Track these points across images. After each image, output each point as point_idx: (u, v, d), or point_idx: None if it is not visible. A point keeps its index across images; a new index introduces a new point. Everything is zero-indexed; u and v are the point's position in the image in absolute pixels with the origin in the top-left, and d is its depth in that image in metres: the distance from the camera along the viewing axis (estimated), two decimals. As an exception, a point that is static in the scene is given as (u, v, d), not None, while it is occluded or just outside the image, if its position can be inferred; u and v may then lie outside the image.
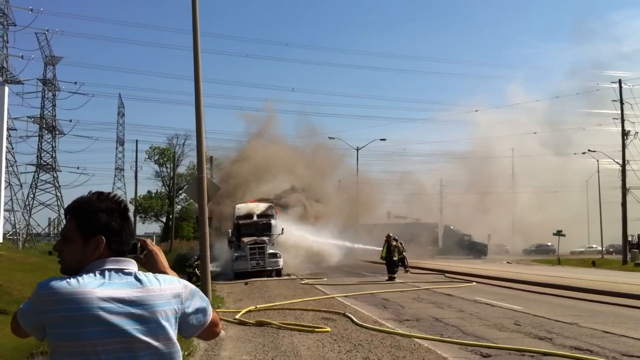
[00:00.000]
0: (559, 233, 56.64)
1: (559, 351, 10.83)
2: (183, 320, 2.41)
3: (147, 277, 2.37)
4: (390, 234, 30.91)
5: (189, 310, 2.42)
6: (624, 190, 51.01)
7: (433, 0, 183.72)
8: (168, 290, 2.37)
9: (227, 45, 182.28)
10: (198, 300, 2.47)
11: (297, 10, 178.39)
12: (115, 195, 2.56)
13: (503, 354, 10.79)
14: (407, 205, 58.56)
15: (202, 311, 2.48)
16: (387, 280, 28.53)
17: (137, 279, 2.35)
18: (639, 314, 16.47)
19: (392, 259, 29.47)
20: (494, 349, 11.16)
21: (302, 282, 27.99)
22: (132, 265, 2.41)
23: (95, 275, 2.32)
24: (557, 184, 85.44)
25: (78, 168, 79.17)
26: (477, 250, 64.54)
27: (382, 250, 29.97)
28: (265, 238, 32.87)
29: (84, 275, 2.32)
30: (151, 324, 2.28)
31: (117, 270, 2.35)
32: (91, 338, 2.21)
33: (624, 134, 50.91)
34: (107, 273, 2.33)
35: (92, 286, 2.26)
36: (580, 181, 75.27)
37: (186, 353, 10.06)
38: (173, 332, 2.35)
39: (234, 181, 47.35)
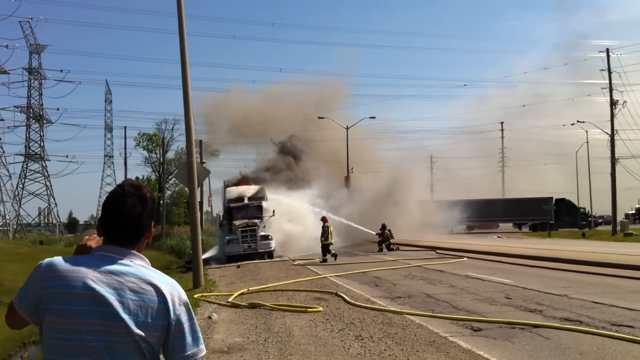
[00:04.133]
0: (549, 205, 57.01)
1: (549, 323, 10.93)
2: (175, 330, 2.36)
3: (137, 267, 2.38)
4: (326, 216, 30.61)
5: (179, 320, 2.37)
6: (613, 160, 51.06)
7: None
8: (161, 287, 2.36)
9: (213, 27, 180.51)
10: (190, 321, 2.43)
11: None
12: (119, 185, 2.55)
13: (494, 327, 10.88)
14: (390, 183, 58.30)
15: (192, 337, 2.41)
16: (320, 262, 28.30)
17: (127, 267, 2.36)
18: (627, 284, 16.62)
19: (326, 243, 29.00)
20: (485, 322, 11.25)
21: (294, 263, 28.07)
22: (129, 255, 2.41)
23: (91, 258, 2.39)
24: (546, 156, 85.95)
25: (67, 157, 79.32)
26: (590, 222, 66.42)
27: (324, 233, 29.27)
28: (257, 220, 32.88)
29: (83, 257, 2.42)
30: (134, 315, 2.29)
31: (109, 257, 2.37)
32: (74, 316, 2.26)
33: (613, 103, 50.83)
34: (102, 258, 2.38)
35: (85, 267, 2.33)
36: (570, 153, 75.49)
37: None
38: (154, 331, 2.33)
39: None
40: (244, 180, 42.25)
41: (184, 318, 2.38)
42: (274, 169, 47.57)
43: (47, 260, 2.40)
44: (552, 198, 66.78)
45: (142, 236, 2.49)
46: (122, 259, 2.38)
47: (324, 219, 29.95)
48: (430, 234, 50.24)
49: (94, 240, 2.53)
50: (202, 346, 2.44)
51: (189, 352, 2.38)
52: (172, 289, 2.39)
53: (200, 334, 2.45)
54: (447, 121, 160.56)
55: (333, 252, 28.93)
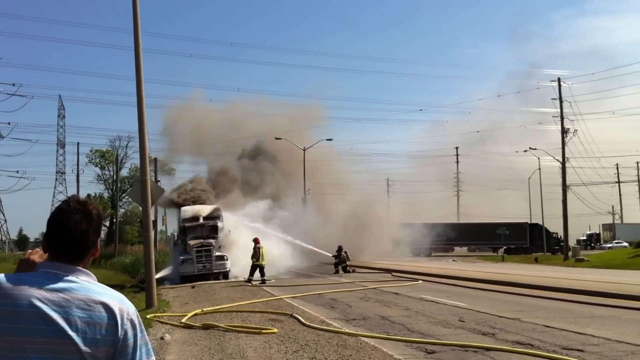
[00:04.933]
0: (502, 230, 57.98)
1: (502, 346, 11.03)
2: (123, 345, 2.31)
3: (83, 284, 2.33)
4: (258, 238, 30.44)
5: (127, 334, 2.33)
6: (564, 187, 52.30)
7: (375, 0, 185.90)
8: (109, 302, 2.31)
9: (171, 44, 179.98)
10: (139, 335, 2.38)
11: (242, 10, 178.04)
12: (64, 202, 2.50)
13: (447, 350, 10.93)
14: (357, 205, 58.99)
15: (140, 351, 2.36)
16: (246, 281, 28.37)
17: (73, 284, 2.30)
18: (578, 308, 16.91)
19: (256, 264, 28.87)
20: (439, 345, 11.30)
21: (250, 284, 27.84)
22: (74, 272, 2.35)
23: (36, 275, 2.33)
24: (500, 182, 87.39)
25: (17, 172, 77.23)
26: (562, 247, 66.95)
27: (255, 254, 29.20)
28: (212, 240, 32.55)
29: (27, 274, 2.35)
30: (82, 332, 2.24)
31: (54, 274, 2.32)
32: (19, 335, 2.20)
33: (564, 131, 52.13)
34: (45, 275, 2.32)
35: (29, 285, 2.27)
36: (522, 179, 77.03)
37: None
38: (103, 347, 2.27)
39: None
40: (194, 200, 42.10)
41: (131, 332, 2.33)
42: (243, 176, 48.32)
43: None
44: (526, 223, 68.37)
45: (88, 253, 2.44)
46: (67, 276, 2.32)
47: (255, 240, 29.75)
48: (401, 256, 50.92)
49: (36, 254, 2.48)
50: (152, 358, 2.39)
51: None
52: (120, 304, 2.35)
53: (150, 347, 2.41)
54: (404, 144, 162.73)
55: (264, 277, 28.74)
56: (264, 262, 29.09)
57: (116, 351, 2.30)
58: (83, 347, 2.22)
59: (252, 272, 28.77)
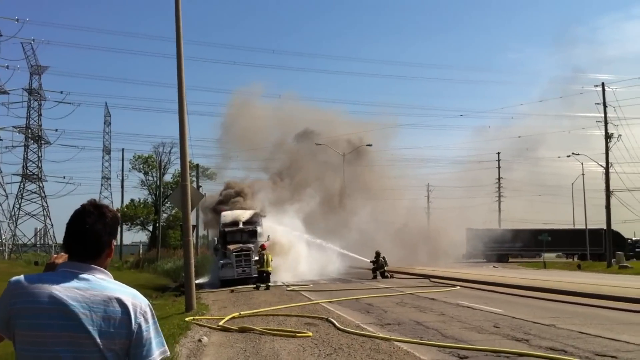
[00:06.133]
0: (544, 237, 57.21)
1: (534, 352, 11.05)
2: (137, 337, 2.52)
3: (99, 281, 2.54)
4: (265, 244, 30.63)
5: (140, 328, 2.53)
6: (608, 192, 51.38)
7: (423, 7, 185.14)
8: (123, 298, 2.52)
9: (214, 52, 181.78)
10: (152, 327, 2.58)
11: (288, 19, 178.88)
12: (81, 205, 2.71)
13: (480, 355, 11.00)
14: (394, 210, 59.14)
15: (152, 343, 2.56)
16: (254, 288, 28.49)
17: (89, 281, 2.52)
18: (616, 315, 16.75)
19: (261, 270, 28.91)
20: (471, 350, 11.37)
21: (288, 288, 28.11)
22: (90, 270, 2.57)
23: (55, 275, 2.57)
24: (542, 187, 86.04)
25: (64, 178, 78.82)
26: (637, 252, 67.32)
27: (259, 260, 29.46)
28: (251, 245, 32.94)
29: (47, 274, 2.60)
30: (98, 325, 2.46)
31: (72, 273, 2.55)
32: (42, 330, 2.43)
33: (608, 136, 51.30)
34: (65, 274, 2.55)
35: (49, 283, 2.50)
36: (565, 185, 75.76)
37: None
38: (118, 339, 2.48)
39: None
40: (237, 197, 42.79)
41: (145, 326, 2.54)
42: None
43: (14, 278, 2.56)
44: (602, 229, 67.43)
45: (103, 252, 2.64)
46: (84, 274, 2.54)
47: (262, 247, 30.05)
48: (470, 263, 51.46)
49: (61, 258, 2.69)
50: (163, 348, 2.58)
51: (149, 358, 2.53)
52: (133, 299, 2.55)
53: (162, 338, 2.60)
54: (444, 150, 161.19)
55: (267, 283, 28.71)
56: (269, 269, 29.25)
57: (131, 343, 2.51)
58: (99, 340, 2.44)
59: (258, 279, 29.03)
